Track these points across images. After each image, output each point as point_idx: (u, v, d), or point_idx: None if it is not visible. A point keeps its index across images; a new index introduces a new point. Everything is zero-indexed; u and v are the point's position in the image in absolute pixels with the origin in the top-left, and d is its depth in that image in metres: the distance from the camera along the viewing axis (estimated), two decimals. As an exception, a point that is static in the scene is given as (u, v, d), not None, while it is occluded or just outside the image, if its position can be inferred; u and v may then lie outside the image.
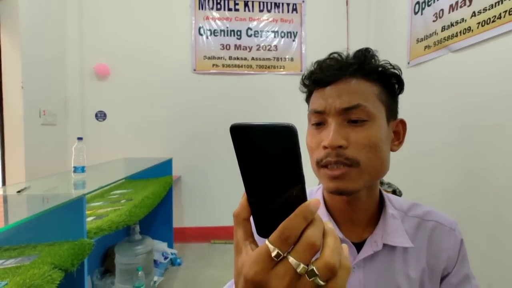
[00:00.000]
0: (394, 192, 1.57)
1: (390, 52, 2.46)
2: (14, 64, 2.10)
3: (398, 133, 0.54)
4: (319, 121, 0.49)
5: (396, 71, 0.51)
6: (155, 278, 1.94)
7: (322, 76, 0.49)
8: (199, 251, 2.66)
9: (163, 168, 2.43)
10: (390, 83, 0.51)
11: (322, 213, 0.54)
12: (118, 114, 2.78)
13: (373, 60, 0.50)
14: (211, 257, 2.54)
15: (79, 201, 1.07)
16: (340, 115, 0.47)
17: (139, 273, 1.67)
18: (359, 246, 0.51)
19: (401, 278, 0.50)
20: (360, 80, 0.49)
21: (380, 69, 0.50)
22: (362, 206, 0.52)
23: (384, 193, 0.56)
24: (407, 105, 2.24)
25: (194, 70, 2.79)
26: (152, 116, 2.80)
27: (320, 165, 0.48)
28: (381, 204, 0.55)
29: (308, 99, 0.55)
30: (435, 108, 1.94)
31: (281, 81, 2.86)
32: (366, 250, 0.50)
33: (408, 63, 2.22)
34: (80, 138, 1.45)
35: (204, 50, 2.77)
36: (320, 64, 0.51)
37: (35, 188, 1.23)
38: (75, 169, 1.41)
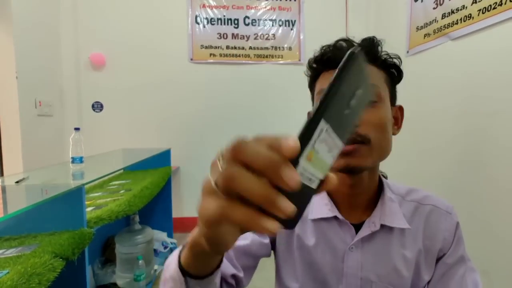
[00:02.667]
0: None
1: (390, 40, 2.42)
2: (7, 52, 2.06)
3: (397, 118, 0.56)
4: None
5: (397, 61, 0.54)
6: (156, 267, 1.96)
7: (336, 56, 0.50)
8: (198, 240, 2.68)
9: (162, 159, 2.43)
10: (391, 71, 0.54)
11: (323, 197, 0.56)
12: (115, 104, 2.76)
13: (379, 48, 0.52)
14: (210, 246, 2.56)
15: (78, 191, 1.06)
16: None
17: (140, 262, 1.69)
18: (358, 227, 0.53)
19: (398, 258, 0.52)
20: (369, 64, 0.51)
21: (385, 57, 0.53)
22: (363, 190, 0.54)
23: (383, 178, 0.57)
24: (406, 93, 2.24)
25: (191, 59, 2.75)
26: (149, 107, 2.79)
27: None
28: (379, 188, 0.56)
29: (313, 84, 0.56)
30: (434, 97, 1.94)
31: (280, 70, 2.84)
32: (364, 231, 0.52)
33: (408, 51, 2.20)
34: (77, 129, 1.44)
35: (201, 39, 2.73)
36: (332, 46, 0.52)
37: (34, 179, 1.23)
38: (73, 160, 1.40)
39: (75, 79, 2.68)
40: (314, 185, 0.23)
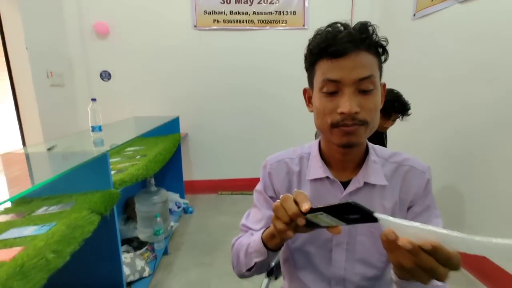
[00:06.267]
0: None
1: (396, 4, 2.38)
2: (15, 24, 2.09)
3: (382, 95, 0.63)
4: (334, 90, 0.56)
5: (385, 43, 0.59)
6: (172, 224, 2.18)
7: (339, 48, 0.54)
8: (208, 201, 2.90)
9: (171, 126, 2.55)
10: (381, 55, 0.60)
11: (318, 161, 0.67)
12: (122, 73, 2.82)
13: (374, 34, 0.57)
14: (219, 206, 2.79)
15: (104, 156, 1.20)
16: (354, 85, 0.55)
17: (158, 219, 1.89)
18: (346, 184, 0.65)
19: (378, 208, 0.64)
20: (365, 52, 0.56)
21: (378, 42, 0.57)
22: (353, 156, 0.65)
23: (370, 144, 0.68)
24: (412, 57, 2.25)
25: (195, 26, 2.74)
26: (155, 75, 2.84)
27: (335, 126, 0.57)
28: (366, 152, 0.67)
29: (312, 67, 0.61)
30: (440, 61, 1.96)
31: (283, 36, 2.82)
32: (351, 187, 0.64)
33: (414, 14, 2.17)
34: (94, 99, 1.54)
35: (204, 5, 2.69)
36: (332, 35, 0.56)
37: (61, 146, 1.36)
38: (93, 129, 1.52)
39: (81, 49, 2.71)
40: (321, 225, 0.46)
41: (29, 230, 0.89)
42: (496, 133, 1.53)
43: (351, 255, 0.64)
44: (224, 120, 2.97)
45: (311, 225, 0.46)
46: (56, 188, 1.21)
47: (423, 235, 0.33)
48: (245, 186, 3.00)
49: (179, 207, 2.52)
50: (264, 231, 0.59)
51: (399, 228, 0.35)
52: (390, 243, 0.36)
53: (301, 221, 0.44)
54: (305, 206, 0.43)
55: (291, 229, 0.47)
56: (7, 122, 2.30)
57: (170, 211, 2.37)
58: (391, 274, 0.50)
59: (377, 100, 0.58)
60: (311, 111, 0.66)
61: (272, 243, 0.57)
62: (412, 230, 0.34)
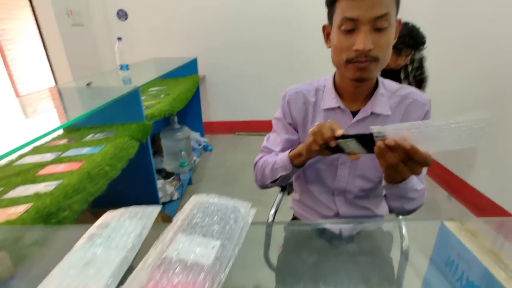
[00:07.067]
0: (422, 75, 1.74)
1: None
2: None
3: (397, 29, 0.67)
4: (351, 28, 0.60)
5: None
6: (194, 158, 2.41)
7: None
8: (226, 141, 3.10)
9: (189, 68, 2.61)
10: None
11: (332, 92, 0.76)
12: (139, 12, 2.80)
13: None
14: (236, 145, 2.98)
15: (136, 92, 1.33)
16: (370, 23, 0.58)
17: (182, 153, 2.10)
18: (355, 113, 0.74)
19: None
20: None
21: None
22: (363, 89, 0.73)
23: (380, 77, 0.76)
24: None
25: (211, -41, 2.59)
26: (172, 15, 2.80)
27: (350, 62, 0.62)
28: (376, 86, 0.75)
29: (332, 5, 0.65)
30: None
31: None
32: (359, 116, 0.73)
33: None
34: (119, 38, 1.61)
35: None
36: None
37: (95, 83, 1.49)
38: (121, 67, 1.62)
39: (97, -15, 2.67)
40: (345, 151, 0.56)
41: (85, 150, 1.08)
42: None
43: (353, 171, 0.78)
44: (241, 62, 2.98)
45: (336, 150, 0.57)
46: (98, 119, 1.38)
47: (405, 134, 0.44)
48: (262, 127, 3.14)
49: (199, 144, 2.73)
50: (291, 151, 0.71)
51: (392, 132, 0.46)
52: (382, 150, 0.49)
53: (332, 144, 0.54)
54: (339, 132, 0.53)
55: (321, 151, 0.58)
56: (35, 63, 2.43)
57: (192, 148, 2.58)
58: (383, 182, 0.64)
59: (390, 37, 0.63)
60: (329, 47, 0.71)
61: (298, 160, 0.69)
62: (401, 132, 0.45)
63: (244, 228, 0.41)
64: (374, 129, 0.47)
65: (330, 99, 0.76)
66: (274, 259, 0.51)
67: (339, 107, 0.74)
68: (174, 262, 0.33)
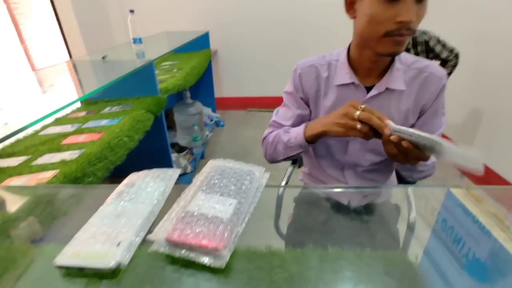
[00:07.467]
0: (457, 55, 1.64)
1: None
2: None
3: None
4: None
5: None
6: (207, 133, 2.45)
7: None
8: (237, 116, 3.11)
9: (201, 42, 2.59)
10: None
11: (345, 67, 0.73)
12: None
13: None
14: (248, 121, 3.00)
15: (150, 65, 1.34)
16: None
17: (195, 128, 2.14)
18: (368, 89, 0.73)
19: (394, 110, 0.73)
20: None
21: None
22: (381, 63, 0.70)
23: None
24: None
25: None
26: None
27: (389, 35, 0.59)
28: (392, 59, 0.72)
29: None
30: None
31: None
32: (373, 91, 0.72)
33: None
34: (132, 11, 1.61)
35: None
36: None
37: (109, 57, 1.51)
38: (134, 41, 1.63)
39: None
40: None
41: (104, 122, 1.12)
42: None
43: (364, 146, 0.78)
44: (253, 37, 2.92)
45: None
46: (114, 93, 1.41)
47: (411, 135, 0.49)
48: (273, 104, 3.12)
49: (211, 120, 2.76)
50: (306, 130, 0.72)
51: (400, 130, 0.51)
52: (386, 141, 0.55)
53: (387, 131, 0.55)
54: (386, 130, 0.55)
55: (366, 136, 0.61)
56: (49, 37, 2.45)
57: (204, 123, 2.62)
58: None
59: (426, 10, 0.60)
60: (353, 17, 0.66)
61: (314, 139, 0.71)
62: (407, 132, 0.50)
63: (258, 189, 0.44)
64: (391, 125, 0.53)
65: (344, 75, 0.73)
66: (284, 229, 0.54)
67: (353, 83, 0.73)
68: (196, 215, 0.36)
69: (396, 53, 0.62)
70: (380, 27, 0.58)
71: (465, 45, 1.96)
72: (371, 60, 0.69)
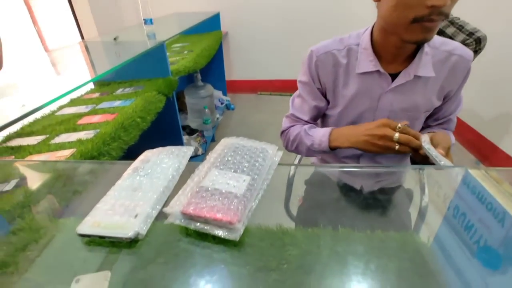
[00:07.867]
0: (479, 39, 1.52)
1: None
2: None
3: None
4: None
5: None
6: (217, 115, 2.45)
7: None
8: (248, 100, 3.10)
9: (212, 23, 2.54)
10: None
11: (369, 54, 0.67)
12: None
13: None
14: (258, 105, 2.98)
15: (161, 46, 1.34)
16: None
17: (206, 110, 2.14)
18: (394, 76, 0.67)
19: (420, 98, 0.69)
20: None
21: None
22: (408, 49, 0.65)
23: None
24: None
25: None
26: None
27: (418, 20, 0.53)
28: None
29: None
30: None
31: None
32: (400, 80, 0.66)
33: None
34: (142, -10, 1.58)
35: None
36: None
37: (121, 38, 1.51)
38: (145, 21, 1.61)
39: None
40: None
41: (117, 103, 1.14)
42: None
43: None
44: (264, 19, 2.85)
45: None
46: (126, 74, 1.42)
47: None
48: (284, 87, 3.09)
49: (222, 103, 2.75)
50: (330, 139, 0.71)
51: (429, 150, 0.56)
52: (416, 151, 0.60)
53: (422, 151, 0.58)
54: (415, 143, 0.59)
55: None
56: (61, 18, 2.46)
57: (215, 106, 2.61)
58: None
59: None
60: (377, 0, 0.61)
61: (339, 148, 0.70)
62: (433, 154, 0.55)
63: (272, 166, 0.44)
64: (424, 145, 0.57)
65: (367, 62, 0.67)
66: (294, 211, 0.54)
67: (377, 71, 0.67)
68: (210, 190, 0.37)
69: (425, 41, 0.58)
70: (409, 11, 0.53)
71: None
72: (396, 46, 0.63)
